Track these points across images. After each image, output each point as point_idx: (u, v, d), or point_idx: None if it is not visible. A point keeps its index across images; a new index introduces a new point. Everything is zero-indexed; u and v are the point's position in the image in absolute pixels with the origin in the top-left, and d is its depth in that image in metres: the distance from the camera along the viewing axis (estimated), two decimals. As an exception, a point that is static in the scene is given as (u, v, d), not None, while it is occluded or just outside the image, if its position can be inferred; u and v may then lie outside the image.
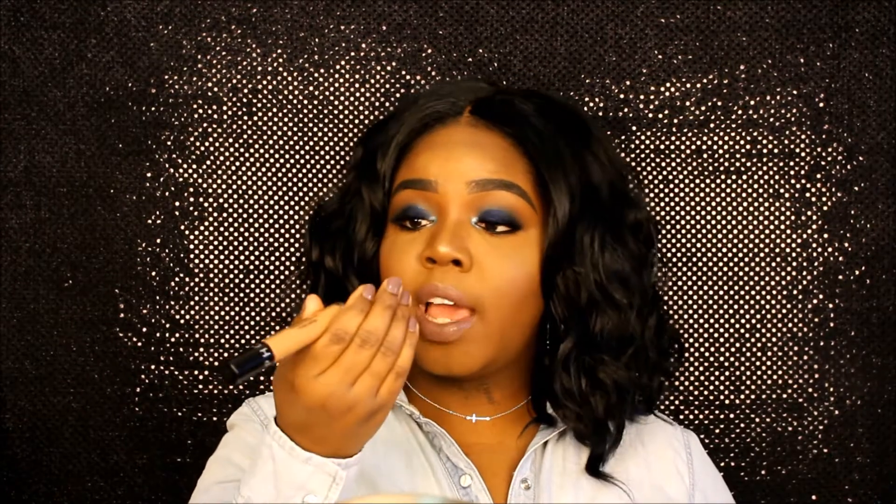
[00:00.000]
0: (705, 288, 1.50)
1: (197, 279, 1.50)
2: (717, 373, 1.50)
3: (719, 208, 1.50)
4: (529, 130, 1.21)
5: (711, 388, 1.50)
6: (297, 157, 1.50)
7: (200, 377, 1.50)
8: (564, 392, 1.22)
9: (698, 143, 1.49)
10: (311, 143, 1.49)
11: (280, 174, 1.50)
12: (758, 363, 1.50)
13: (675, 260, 1.50)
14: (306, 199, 1.49)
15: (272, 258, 1.50)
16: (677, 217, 1.50)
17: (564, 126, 1.24)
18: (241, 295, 1.50)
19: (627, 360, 1.23)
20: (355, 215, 1.24)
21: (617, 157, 1.41)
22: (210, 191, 1.50)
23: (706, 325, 1.50)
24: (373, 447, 1.20)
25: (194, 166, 1.50)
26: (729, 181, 1.50)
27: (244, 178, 1.50)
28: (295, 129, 1.49)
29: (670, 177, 1.50)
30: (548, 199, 1.20)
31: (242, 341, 1.49)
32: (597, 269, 1.21)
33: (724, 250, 1.50)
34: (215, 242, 1.50)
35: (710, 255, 1.50)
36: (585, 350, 1.22)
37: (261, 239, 1.50)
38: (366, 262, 1.23)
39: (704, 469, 1.31)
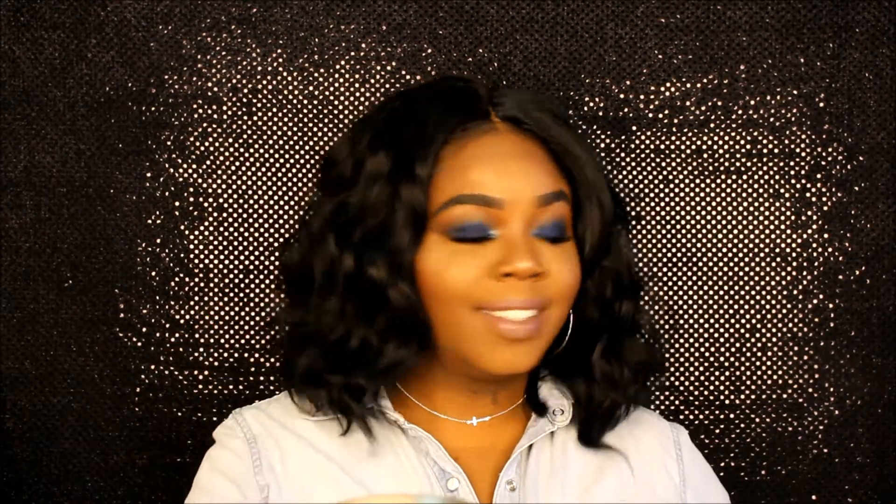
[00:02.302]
0: (705, 288, 1.50)
1: (197, 279, 1.50)
2: (717, 373, 1.50)
3: (719, 208, 1.50)
4: (569, 138, 1.24)
5: (711, 388, 1.50)
6: (297, 157, 1.49)
7: (200, 377, 1.50)
8: (605, 378, 1.26)
9: (698, 143, 1.49)
10: (311, 143, 1.49)
11: (280, 174, 1.49)
12: (758, 363, 1.50)
13: (675, 260, 1.50)
14: (306, 199, 1.49)
15: (272, 258, 1.50)
16: (677, 217, 1.50)
17: (573, 127, 1.28)
18: (241, 295, 1.50)
19: (642, 340, 1.30)
20: (395, 220, 1.19)
21: None
22: (210, 191, 1.50)
23: (706, 325, 1.50)
24: (357, 460, 1.20)
25: (194, 166, 1.50)
26: (729, 181, 1.50)
27: (244, 178, 1.50)
28: (295, 129, 1.49)
29: (670, 177, 1.50)
30: (579, 203, 1.24)
31: (242, 341, 1.49)
32: (624, 262, 1.27)
33: (724, 250, 1.50)
34: (215, 242, 1.50)
35: (710, 255, 1.50)
36: (615, 336, 1.27)
37: (261, 239, 1.50)
38: (405, 269, 1.19)
39: (694, 463, 1.31)
